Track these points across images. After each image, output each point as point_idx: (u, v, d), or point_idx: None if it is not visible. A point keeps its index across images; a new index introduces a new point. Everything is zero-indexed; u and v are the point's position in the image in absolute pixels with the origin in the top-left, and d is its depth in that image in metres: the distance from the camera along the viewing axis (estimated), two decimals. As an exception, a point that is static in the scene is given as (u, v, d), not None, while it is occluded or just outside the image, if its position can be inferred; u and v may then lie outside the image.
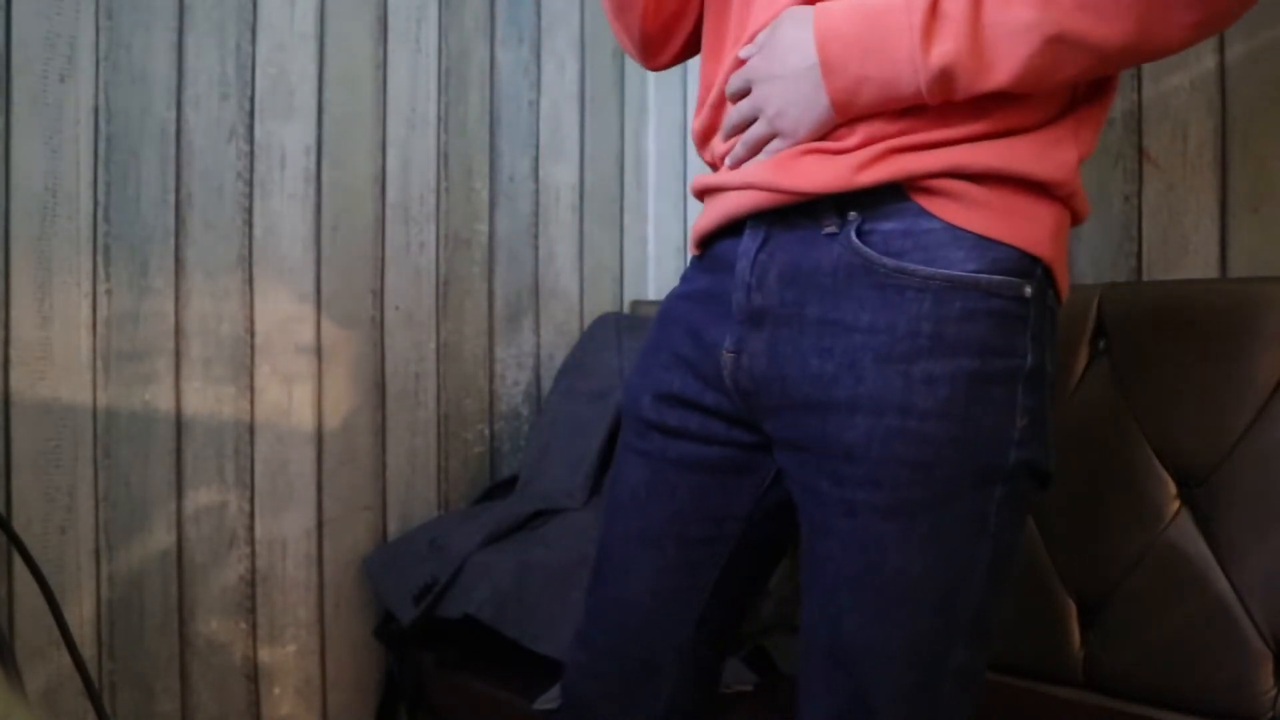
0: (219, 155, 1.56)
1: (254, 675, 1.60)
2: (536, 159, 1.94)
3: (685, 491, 0.93)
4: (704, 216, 0.93)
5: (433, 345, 1.79)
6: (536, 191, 1.94)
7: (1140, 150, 1.36)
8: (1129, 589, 1.16)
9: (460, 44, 1.82)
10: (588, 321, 1.99)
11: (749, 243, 0.87)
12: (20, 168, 1.39)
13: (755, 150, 0.86)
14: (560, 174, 1.98)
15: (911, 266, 0.79)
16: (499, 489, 1.83)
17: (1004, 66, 0.75)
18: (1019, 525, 0.84)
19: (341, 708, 1.68)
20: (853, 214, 0.81)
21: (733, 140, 0.89)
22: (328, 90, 1.66)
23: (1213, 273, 1.30)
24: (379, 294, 1.73)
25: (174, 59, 1.52)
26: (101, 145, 1.46)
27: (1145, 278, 1.36)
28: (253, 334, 1.59)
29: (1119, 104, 1.38)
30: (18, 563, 1.31)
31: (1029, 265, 0.80)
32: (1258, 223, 1.26)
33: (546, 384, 1.94)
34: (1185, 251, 1.32)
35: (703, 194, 0.94)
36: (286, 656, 1.63)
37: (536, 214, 1.94)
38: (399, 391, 1.75)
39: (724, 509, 0.93)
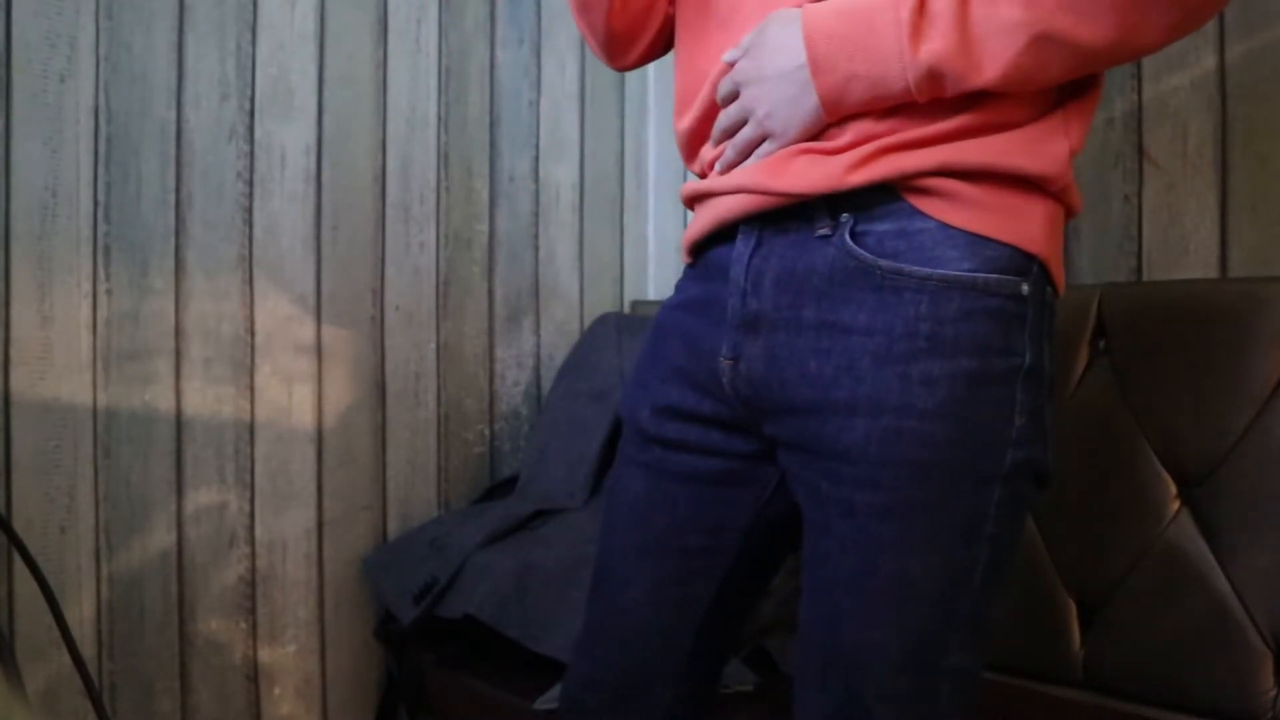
0: (219, 155, 1.56)
1: (254, 675, 1.60)
2: (536, 158, 1.94)
3: (684, 503, 0.93)
4: (695, 224, 0.92)
5: (433, 345, 1.79)
6: (537, 191, 1.94)
7: (1140, 150, 1.36)
8: (1129, 589, 1.16)
9: (460, 44, 1.82)
10: (588, 321, 1.99)
11: (742, 247, 0.86)
12: (20, 168, 1.39)
13: (746, 154, 0.85)
14: (560, 173, 1.98)
15: (907, 268, 0.78)
16: (499, 489, 1.83)
17: (992, 65, 0.75)
18: (1018, 526, 0.84)
19: (341, 708, 1.68)
20: (845, 215, 0.81)
21: (722, 146, 0.88)
22: (328, 90, 1.66)
23: (1213, 273, 1.30)
24: (379, 294, 1.73)
25: (174, 59, 1.52)
26: (101, 145, 1.46)
27: (1145, 278, 1.36)
28: (253, 334, 1.59)
29: (1119, 104, 1.38)
30: (18, 563, 1.30)
31: (1025, 263, 0.79)
32: (1258, 223, 1.26)
33: (546, 384, 1.94)
34: (1185, 251, 1.32)
35: (692, 201, 0.94)
36: (286, 656, 1.63)
37: (536, 213, 1.94)
38: (399, 391, 1.75)
39: (723, 520, 0.93)
